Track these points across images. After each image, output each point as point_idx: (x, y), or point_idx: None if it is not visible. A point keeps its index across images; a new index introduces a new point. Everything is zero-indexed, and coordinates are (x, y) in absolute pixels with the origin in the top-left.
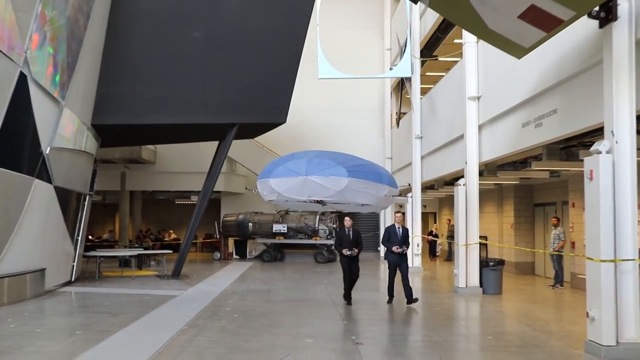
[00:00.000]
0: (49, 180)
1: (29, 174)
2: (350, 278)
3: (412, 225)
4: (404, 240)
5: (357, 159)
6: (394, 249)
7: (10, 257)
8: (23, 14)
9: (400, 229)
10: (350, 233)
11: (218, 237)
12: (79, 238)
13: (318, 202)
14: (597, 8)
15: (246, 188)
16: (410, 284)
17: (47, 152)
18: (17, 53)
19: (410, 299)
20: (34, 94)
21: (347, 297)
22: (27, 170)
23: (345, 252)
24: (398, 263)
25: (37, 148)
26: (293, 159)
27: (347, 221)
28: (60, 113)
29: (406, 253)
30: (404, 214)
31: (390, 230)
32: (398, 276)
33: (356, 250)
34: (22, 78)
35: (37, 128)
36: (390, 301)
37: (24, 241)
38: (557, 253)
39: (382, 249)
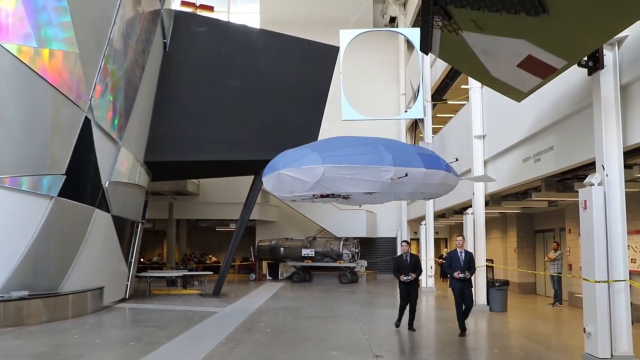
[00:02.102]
0: (108, 210)
1: (91, 204)
2: (410, 304)
3: (426, 250)
4: (468, 266)
5: (353, 141)
6: (455, 274)
7: (74, 276)
8: (89, 68)
9: (463, 254)
10: (408, 258)
11: (253, 260)
12: (133, 260)
13: (324, 196)
14: (585, 58)
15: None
16: (467, 314)
17: (107, 185)
18: (84, 101)
19: (463, 329)
20: (96, 135)
21: (399, 321)
22: (89, 201)
23: (402, 278)
24: (462, 290)
25: (98, 182)
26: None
27: (404, 247)
28: (117, 151)
29: (470, 279)
30: (463, 237)
31: (452, 255)
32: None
33: (413, 275)
34: (87, 122)
35: (99, 164)
36: (462, 334)
37: (86, 263)
38: (557, 274)
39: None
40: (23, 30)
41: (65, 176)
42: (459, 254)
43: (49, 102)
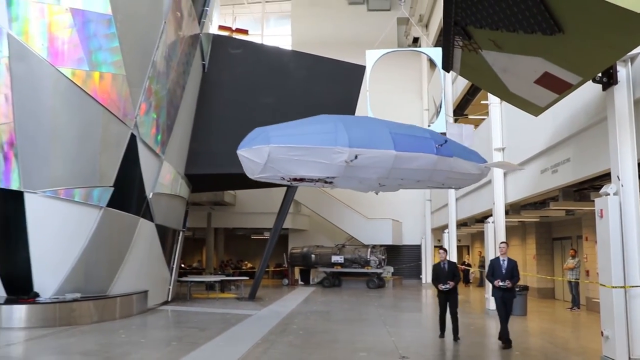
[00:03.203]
0: (151, 219)
1: (136, 214)
2: (451, 313)
3: (449, 256)
4: (511, 274)
5: (314, 120)
6: (496, 283)
7: (121, 281)
8: (135, 89)
9: (506, 262)
10: (446, 266)
11: (286, 266)
12: (174, 266)
13: (297, 180)
14: (600, 74)
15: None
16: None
17: (150, 196)
18: (130, 119)
19: (506, 341)
20: (141, 150)
21: (442, 330)
22: (134, 211)
23: (440, 286)
24: (504, 299)
25: (143, 193)
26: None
27: (442, 254)
28: (160, 165)
29: (512, 288)
30: (507, 243)
31: (494, 263)
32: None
33: (452, 284)
34: (133, 138)
35: (143, 177)
36: (507, 346)
37: (132, 268)
38: (574, 280)
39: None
40: (77, 55)
41: (113, 188)
42: (501, 261)
43: (99, 120)
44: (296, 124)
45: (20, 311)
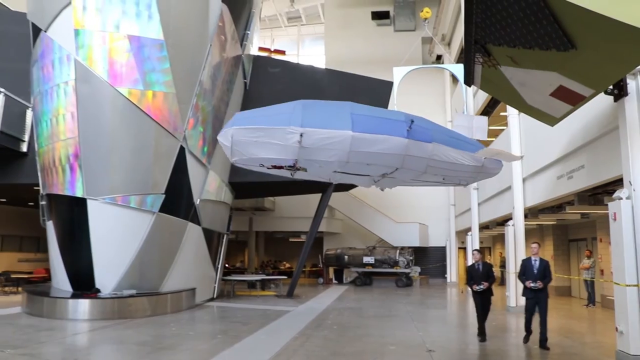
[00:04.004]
0: (198, 223)
1: (185, 218)
2: (483, 312)
3: (472, 257)
4: (543, 274)
5: (283, 104)
6: (527, 283)
7: (171, 279)
8: (184, 105)
9: (537, 261)
10: (480, 267)
11: (321, 266)
12: (219, 266)
13: (277, 167)
14: (611, 87)
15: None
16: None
17: (198, 202)
18: (179, 133)
19: (544, 344)
20: (189, 160)
21: (481, 332)
22: (183, 215)
23: (475, 287)
24: (536, 300)
25: (191, 200)
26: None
27: (475, 255)
28: (207, 174)
29: (544, 289)
30: (539, 243)
31: (526, 263)
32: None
33: (486, 284)
34: (182, 150)
35: (191, 185)
36: (526, 341)
37: (181, 267)
38: (590, 279)
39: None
40: (133, 76)
41: (164, 195)
42: (533, 261)
43: (152, 134)
44: (266, 107)
45: (84, 305)
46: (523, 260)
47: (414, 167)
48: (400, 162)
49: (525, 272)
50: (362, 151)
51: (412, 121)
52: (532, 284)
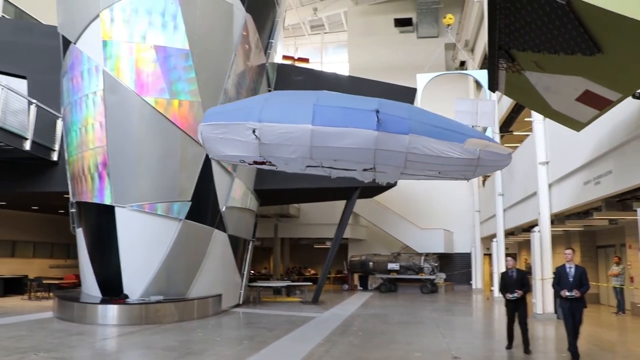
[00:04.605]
0: (224, 230)
1: (211, 225)
2: (520, 324)
3: (497, 264)
4: (579, 283)
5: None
6: (562, 293)
7: (198, 285)
8: None
9: (573, 269)
10: (514, 274)
11: (346, 272)
12: (245, 272)
13: (258, 163)
14: (638, 90)
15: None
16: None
17: (223, 209)
18: None
19: (574, 356)
20: (215, 169)
21: (510, 340)
22: (209, 222)
23: (508, 295)
24: (572, 310)
25: (217, 207)
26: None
27: (510, 262)
28: (232, 182)
29: (582, 298)
30: (573, 250)
31: (560, 271)
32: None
33: (520, 293)
34: (207, 158)
35: (217, 192)
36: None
37: (207, 274)
38: (619, 286)
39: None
40: (159, 86)
41: (191, 202)
42: (568, 269)
43: (178, 143)
44: (238, 101)
45: (113, 310)
46: (557, 268)
47: (390, 162)
48: (372, 157)
49: (560, 280)
50: (326, 146)
51: (378, 111)
52: (567, 293)
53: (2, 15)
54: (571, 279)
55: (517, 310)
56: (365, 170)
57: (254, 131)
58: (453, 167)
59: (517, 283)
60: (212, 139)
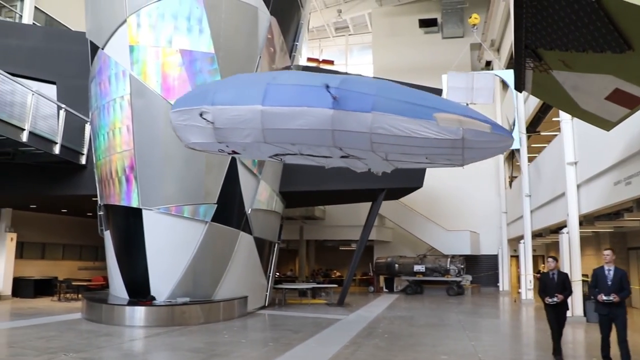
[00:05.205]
0: (250, 232)
1: (237, 227)
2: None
3: (525, 265)
4: (620, 286)
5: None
6: (599, 297)
7: (224, 287)
8: None
9: (612, 271)
10: (555, 277)
11: (372, 274)
12: (270, 274)
13: (235, 152)
14: None
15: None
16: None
17: (249, 212)
18: None
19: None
20: (241, 171)
21: (557, 351)
22: (235, 225)
23: (547, 300)
24: (610, 316)
25: (242, 209)
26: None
27: (551, 263)
28: (258, 184)
29: (622, 303)
30: (613, 250)
31: (597, 273)
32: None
33: (561, 297)
34: (233, 160)
35: (243, 195)
36: None
37: (233, 276)
38: None
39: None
40: (185, 89)
41: (216, 205)
42: (607, 271)
43: None
44: (203, 84)
45: (140, 312)
46: (594, 270)
47: (354, 145)
48: (330, 139)
49: (597, 284)
50: (278, 128)
51: (328, 86)
52: (605, 298)
53: (33, 23)
54: (610, 283)
55: (558, 316)
56: (342, 157)
57: (201, 114)
58: (434, 149)
59: (558, 286)
60: (179, 126)
